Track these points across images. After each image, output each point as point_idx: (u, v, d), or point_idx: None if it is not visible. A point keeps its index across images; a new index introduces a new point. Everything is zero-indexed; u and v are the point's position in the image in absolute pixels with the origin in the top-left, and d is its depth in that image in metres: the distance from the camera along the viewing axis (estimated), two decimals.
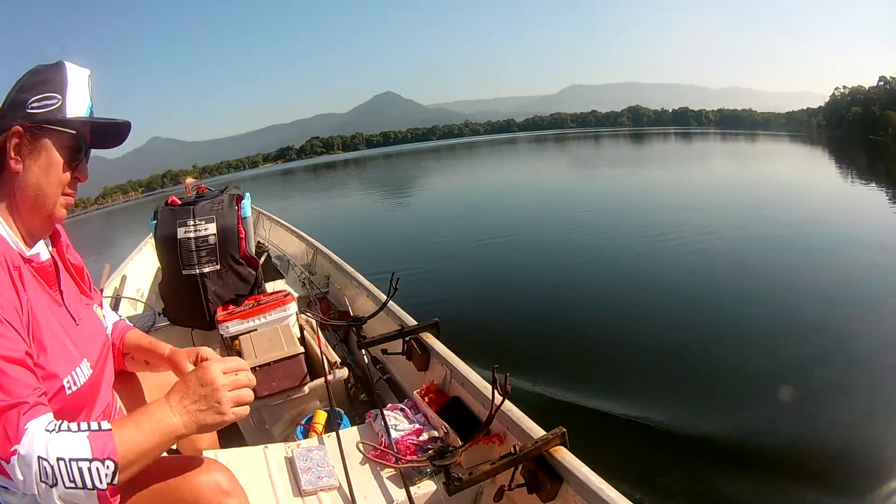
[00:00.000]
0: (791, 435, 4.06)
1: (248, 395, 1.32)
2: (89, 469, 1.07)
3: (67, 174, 1.35)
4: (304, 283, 4.54)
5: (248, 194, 3.68)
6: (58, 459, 1.04)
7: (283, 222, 6.26)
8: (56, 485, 1.04)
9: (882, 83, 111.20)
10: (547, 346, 5.72)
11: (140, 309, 3.74)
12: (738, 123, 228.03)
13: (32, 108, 1.29)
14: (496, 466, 1.78)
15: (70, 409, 1.26)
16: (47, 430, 1.06)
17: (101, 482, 1.08)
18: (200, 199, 3.53)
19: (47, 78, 1.34)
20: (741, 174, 25.88)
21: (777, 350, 5.49)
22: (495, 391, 1.84)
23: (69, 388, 1.26)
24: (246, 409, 1.31)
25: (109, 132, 1.46)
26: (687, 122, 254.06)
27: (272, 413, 2.77)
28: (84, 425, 1.13)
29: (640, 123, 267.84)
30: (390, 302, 3.16)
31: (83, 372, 1.33)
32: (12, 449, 1.02)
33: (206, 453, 1.79)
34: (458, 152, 69.61)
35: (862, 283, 7.55)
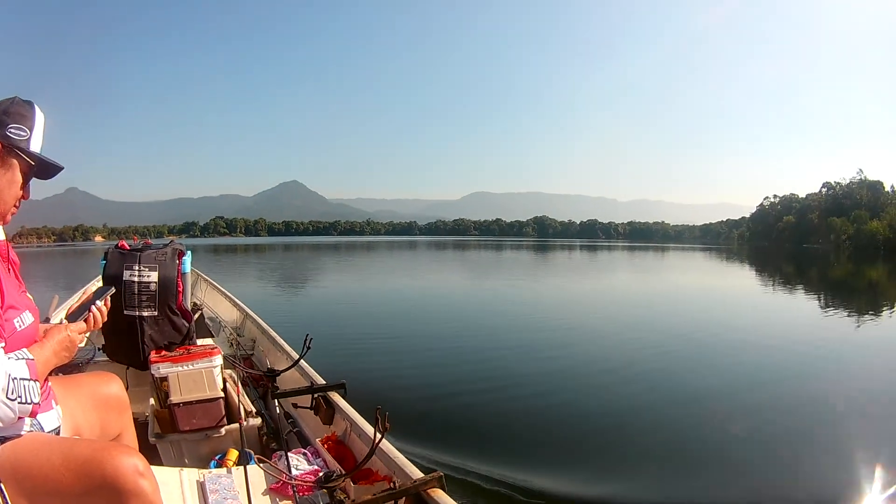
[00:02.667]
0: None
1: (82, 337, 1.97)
2: (28, 387, 1.59)
3: (20, 192, 1.80)
4: (231, 343, 4.87)
5: (189, 252, 3.97)
6: (10, 377, 1.54)
7: (219, 287, 6.58)
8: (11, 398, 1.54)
9: (826, 189, 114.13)
10: (443, 416, 6.24)
11: (83, 342, 3.98)
12: (649, 236, 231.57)
13: (11, 133, 1.73)
14: (377, 498, 2.12)
15: (19, 341, 1.71)
16: (6, 356, 1.58)
17: (35, 397, 1.61)
18: (147, 248, 3.81)
19: (24, 113, 1.78)
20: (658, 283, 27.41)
21: (653, 415, 6.43)
22: (377, 429, 2.21)
23: (19, 325, 1.73)
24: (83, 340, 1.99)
25: (48, 169, 1.87)
26: (595, 234, 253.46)
27: (190, 447, 3.04)
28: (21, 353, 1.66)
29: (545, 234, 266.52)
30: (304, 362, 3.56)
31: (28, 318, 1.80)
32: None
33: None
34: (357, 251, 68.99)
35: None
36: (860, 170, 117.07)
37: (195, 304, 5.97)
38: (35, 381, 1.63)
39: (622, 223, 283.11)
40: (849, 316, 16.26)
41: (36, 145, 1.80)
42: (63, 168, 1.90)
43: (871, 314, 16.94)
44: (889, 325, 14.96)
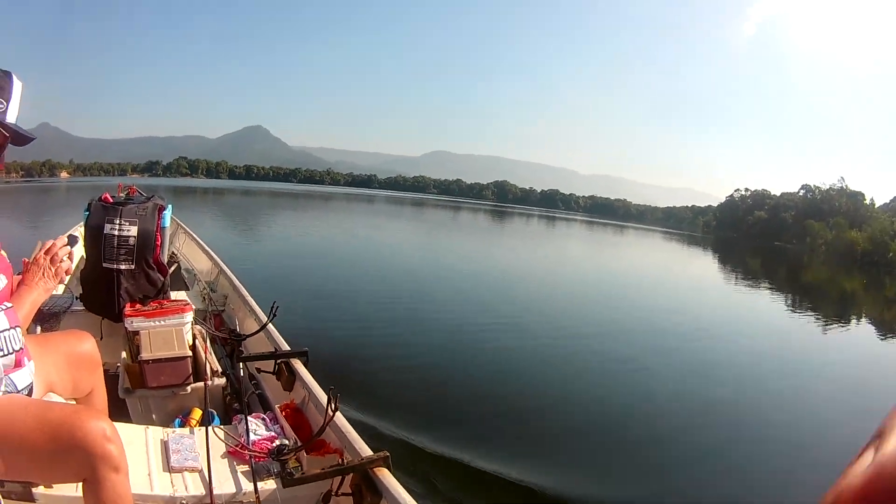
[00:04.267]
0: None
1: (66, 263, 2.17)
2: (8, 337, 1.75)
3: None
4: (204, 297, 4.97)
5: (170, 206, 4.06)
6: None
7: (197, 238, 6.64)
8: None
9: (804, 192, 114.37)
10: (402, 390, 6.42)
11: (60, 290, 4.08)
12: (610, 212, 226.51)
13: None
14: (325, 472, 2.32)
15: None
16: None
17: (17, 344, 1.78)
18: (129, 201, 3.88)
19: (1, 85, 1.84)
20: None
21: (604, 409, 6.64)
22: (329, 407, 2.39)
23: None
24: (69, 270, 2.19)
25: (22, 139, 1.94)
26: (555, 205, 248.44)
27: (157, 403, 3.21)
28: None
29: (504, 199, 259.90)
30: (270, 326, 3.72)
31: (1, 281, 1.90)
32: None
33: None
34: (315, 201, 68.64)
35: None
36: (842, 178, 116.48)
37: (173, 254, 6.06)
38: (15, 327, 1.78)
39: (583, 196, 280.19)
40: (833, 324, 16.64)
41: (12, 116, 1.87)
42: (35, 138, 1.96)
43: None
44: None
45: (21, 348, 1.79)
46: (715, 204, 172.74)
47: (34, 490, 2.03)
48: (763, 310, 17.67)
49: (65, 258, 2.16)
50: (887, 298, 31.34)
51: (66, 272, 2.18)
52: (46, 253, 2.08)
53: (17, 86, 1.87)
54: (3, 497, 1.90)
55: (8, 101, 1.83)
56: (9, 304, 1.82)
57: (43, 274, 2.04)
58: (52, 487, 2.07)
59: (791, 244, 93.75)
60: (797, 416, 7.33)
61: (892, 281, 44.76)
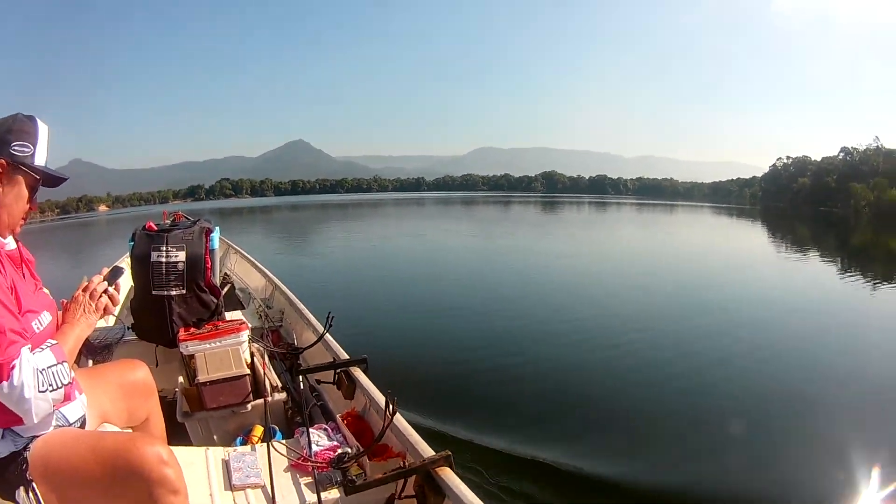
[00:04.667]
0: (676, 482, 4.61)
1: (105, 299, 2.12)
2: (56, 372, 1.74)
3: (27, 205, 1.94)
4: (260, 315, 4.97)
5: (217, 228, 4.05)
6: (37, 371, 1.68)
7: (249, 257, 6.70)
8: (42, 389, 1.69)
9: (843, 154, 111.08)
10: (463, 390, 6.39)
11: (111, 322, 4.12)
12: (659, 192, 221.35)
13: (15, 150, 1.85)
14: (387, 476, 2.24)
15: (38, 341, 1.81)
16: (31, 353, 1.70)
17: (65, 378, 1.77)
18: (175, 227, 3.87)
19: (26, 129, 1.89)
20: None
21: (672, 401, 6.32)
22: (387, 411, 2.31)
23: (37, 328, 1.86)
24: (106, 305, 2.13)
25: (54, 180, 2.00)
26: (604, 190, 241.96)
27: (217, 424, 3.18)
28: (45, 344, 1.79)
29: (554, 189, 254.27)
30: (329, 336, 3.66)
31: (45, 318, 1.93)
32: (11, 364, 1.62)
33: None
34: (364, 210, 68.15)
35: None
36: (876, 137, 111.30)
37: (226, 275, 6.09)
38: (62, 363, 1.78)
39: (631, 179, 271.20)
40: None
41: (41, 159, 1.92)
42: (67, 178, 2.05)
43: None
44: None
45: (70, 382, 1.79)
46: (759, 174, 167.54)
47: None
48: (818, 281, 16.79)
49: (106, 291, 2.14)
50: None
51: (113, 304, 2.15)
52: (84, 290, 2.07)
53: (42, 129, 1.93)
54: None
55: (35, 145, 1.89)
56: (53, 341, 1.82)
57: (84, 310, 2.03)
58: None
59: (836, 208, 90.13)
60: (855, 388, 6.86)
61: None
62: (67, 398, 1.86)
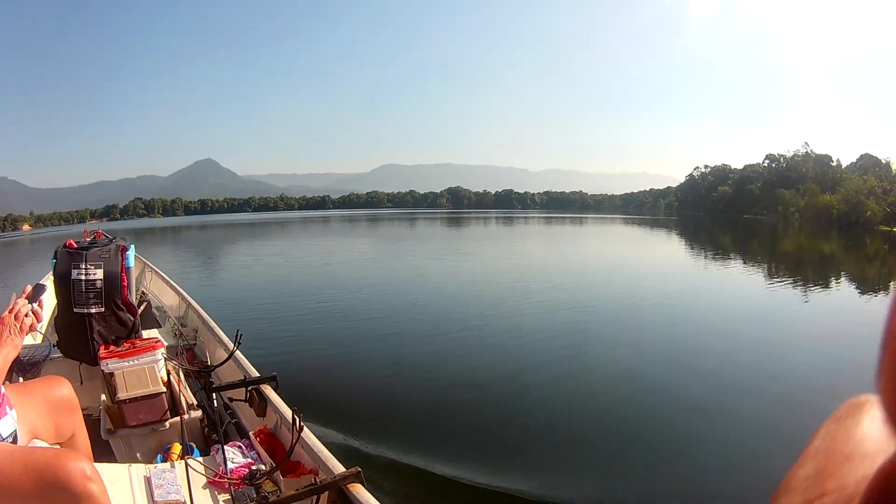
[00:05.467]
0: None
1: (29, 320, 2.23)
2: None
3: None
4: (175, 333, 5.10)
5: (132, 246, 4.17)
6: None
7: (163, 276, 6.74)
8: None
9: (769, 162, 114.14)
10: (373, 405, 6.52)
11: (38, 339, 4.16)
12: (567, 205, 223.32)
13: None
14: (300, 493, 2.42)
15: None
16: None
17: None
18: (93, 245, 3.99)
19: None
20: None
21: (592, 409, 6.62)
22: (295, 427, 2.52)
23: None
24: (31, 324, 2.25)
25: None
26: (511, 205, 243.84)
27: (139, 441, 3.33)
28: None
29: (460, 205, 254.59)
30: (239, 354, 3.86)
31: None
32: None
33: None
34: (271, 229, 67.49)
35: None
36: (806, 143, 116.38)
37: (142, 293, 6.12)
38: None
39: (538, 193, 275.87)
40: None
41: None
42: None
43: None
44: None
45: None
46: (673, 185, 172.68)
47: None
48: (743, 283, 17.99)
49: (30, 312, 2.26)
50: (869, 256, 31.56)
51: (37, 321, 2.28)
52: (10, 311, 2.18)
53: None
54: None
55: None
56: None
57: (9, 331, 2.14)
58: None
59: (762, 216, 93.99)
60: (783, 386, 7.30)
61: (874, 239, 45.29)
62: None
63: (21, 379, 3.36)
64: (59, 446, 2.53)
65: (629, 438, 5.90)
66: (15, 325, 2.18)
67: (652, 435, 5.98)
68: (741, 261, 26.02)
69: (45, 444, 2.40)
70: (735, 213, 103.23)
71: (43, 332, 4.56)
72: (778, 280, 18.81)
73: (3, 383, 2.17)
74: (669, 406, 6.73)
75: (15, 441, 2.20)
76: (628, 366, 8.36)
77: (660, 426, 6.20)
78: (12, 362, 2.23)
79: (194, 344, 4.98)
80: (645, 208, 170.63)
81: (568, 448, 5.72)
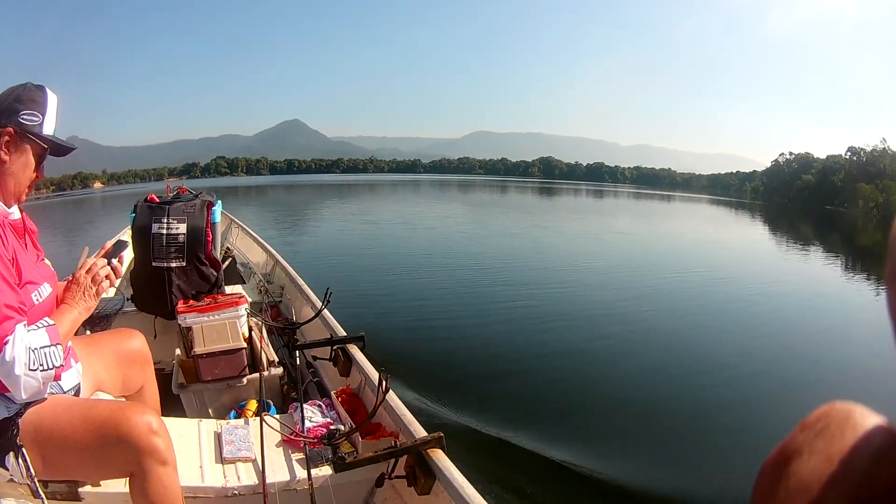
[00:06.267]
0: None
1: (106, 283, 2.04)
2: (49, 353, 1.69)
3: (34, 173, 1.90)
4: (260, 290, 4.93)
5: (219, 202, 4.02)
6: (30, 350, 1.64)
7: (251, 232, 6.65)
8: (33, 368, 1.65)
9: (850, 154, 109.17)
10: (459, 373, 6.28)
11: (112, 293, 4.09)
12: (656, 182, 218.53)
13: (23, 119, 1.83)
14: (378, 455, 2.23)
15: (37, 313, 1.81)
16: (26, 330, 1.66)
17: (57, 361, 1.71)
18: (177, 200, 3.85)
19: (35, 98, 1.87)
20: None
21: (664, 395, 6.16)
22: (380, 389, 2.28)
23: (37, 299, 1.83)
24: (108, 286, 2.05)
25: (61, 149, 1.98)
26: (601, 178, 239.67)
27: (212, 396, 3.15)
28: (41, 323, 1.75)
29: (551, 175, 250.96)
30: (327, 312, 3.63)
31: (45, 290, 1.89)
32: (4, 340, 1.59)
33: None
34: (360, 191, 66.48)
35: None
36: (883, 139, 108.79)
37: (227, 249, 6.06)
38: (56, 345, 1.74)
39: (628, 167, 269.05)
40: None
41: (49, 128, 1.89)
42: (75, 148, 2.03)
43: None
44: None
45: (61, 364, 1.75)
46: (756, 168, 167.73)
47: (80, 489, 2.00)
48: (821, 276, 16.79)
49: (110, 264, 2.09)
50: None
51: (116, 277, 2.11)
52: (88, 272, 2.01)
53: (51, 98, 1.91)
54: (48, 498, 1.84)
55: (44, 115, 1.87)
56: (51, 322, 1.78)
57: (84, 293, 1.98)
58: (99, 485, 2.04)
59: (843, 208, 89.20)
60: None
61: None
62: (57, 378, 1.86)
63: (88, 332, 3.20)
64: (124, 399, 2.39)
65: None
66: (91, 288, 2.00)
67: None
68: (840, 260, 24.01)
69: (109, 397, 2.26)
70: (817, 202, 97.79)
71: (116, 286, 4.46)
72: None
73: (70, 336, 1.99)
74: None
75: (77, 394, 2.06)
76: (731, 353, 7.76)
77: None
78: None
79: (280, 301, 4.82)
80: (731, 190, 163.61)
81: (662, 439, 5.29)
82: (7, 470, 1.73)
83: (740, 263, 17.89)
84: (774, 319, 9.98)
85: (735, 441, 5.12)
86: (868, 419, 0.32)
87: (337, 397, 2.88)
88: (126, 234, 4.23)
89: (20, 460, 1.71)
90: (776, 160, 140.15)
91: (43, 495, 1.77)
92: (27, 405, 1.77)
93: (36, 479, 1.74)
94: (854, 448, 0.31)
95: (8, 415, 1.73)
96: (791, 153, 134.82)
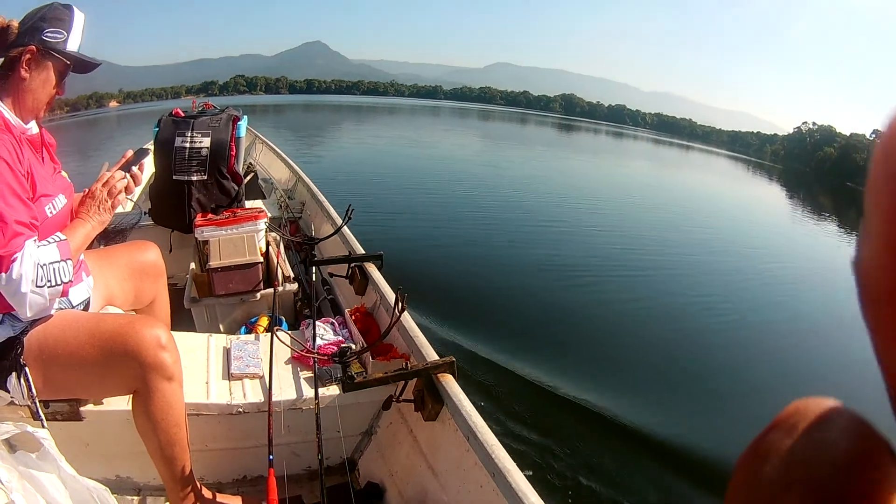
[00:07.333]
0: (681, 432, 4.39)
1: (123, 196, 1.99)
2: (58, 269, 1.64)
3: (55, 90, 1.84)
4: (280, 205, 4.83)
5: (245, 117, 3.88)
6: (38, 265, 1.58)
7: (275, 148, 6.53)
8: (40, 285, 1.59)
9: (875, 137, 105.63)
10: (474, 301, 6.22)
11: (129, 207, 4.03)
12: (676, 130, 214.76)
13: (46, 36, 1.76)
14: (388, 376, 2.15)
15: (51, 226, 1.77)
16: (36, 245, 1.60)
17: (66, 276, 1.66)
18: (202, 114, 3.74)
19: (60, 16, 1.80)
20: None
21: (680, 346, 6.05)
22: (395, 308, 2.18)
23: (50, 212, 1.77)
24: (124, 199, 2.01)
25: (85, 66, 1.90)
26: (622, 120, 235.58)
27: (224, 311, 3.11)
28: (52, 238, 1.69)
29: (572, 112, 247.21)
30: (346, 230, 3.53)
31: (60, 202, 1.83)
32: (13, 257, 1.53)
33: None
34: (379, 114, 64.29)
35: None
36: None
37: (250, 164, 5.95)
38: (66, 260, 1.69)
39: (649, 113, 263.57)
40: None
41: (73, 45, 1.84)
42: (100, 64, 1.96)
43: None
44: None
45: (70, 280, 1.71)
46: (775, 132, 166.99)
47: (81, 409, 1.96)
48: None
49: (128, 183, 2.03)
50: None
51: (136, 184, 2.04)
52: (105, 185, 1.95)
53: (78, 16, 1.88)
54: (49, 419, 1.82)
55: (69, 32, 1.83)
56: (62, 237, 1.73)
57: (99, 207, 1.92)
58: (101, 403, 2.00)
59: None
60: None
61: None
62: (65, 294, 1.80)
63: (102, 245, 3.15)
64: (134, 313, 2.35)
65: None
66: (106, 201, 1.94)
67: None
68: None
69: (118, 311, 2.21)
70: (838, 177, 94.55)
71: (134, 199, 4.43)
72: None
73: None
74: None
75: (87, 309, 2.02)
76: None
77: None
78: None
79: (300, 217, 4.73)
80: (751, 150, 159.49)
81: (658, 378, 5.27)
82: (8, 392, 1.70)
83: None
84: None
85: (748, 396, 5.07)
86: (838, 418, 0.30)
87: (350, 315, 2.80)
88: (149, 147, 4.16)
89: (22, 381, 1.69)
90: (798, 128, 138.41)
91: (43, 416, 1.74)
92: (33, 323, 1.72)
93: (37, 400, 1.71)
94: (817, 451, 0.29)
95: (13, 334, 1.69)
96: (814, 123, 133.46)
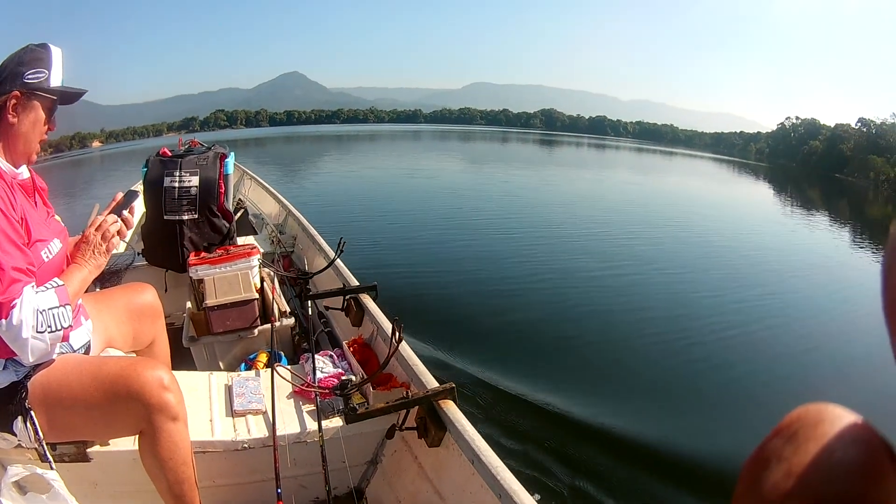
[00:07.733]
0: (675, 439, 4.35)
1: (117, 239, 2.01)
2: (57, 315, 1.65)
3: (45, 126, 1.86)
4: (272, 240, 4.85)
5: (232, 154, 3.92)
6: (37, 311, 1.59)
7: (263, 183, 6.54)
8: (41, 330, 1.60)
9: (860, 125, 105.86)
10: (471, 326, 6.16)
11: (122, 248, 4.03)
12: (658, 137, 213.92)
13: (28, 79, 1.78)
14: (390, 406, 2.16)
15: (48, 271, 1.78)
16: (35, 291, 1.62)
17: (66, 322, 1.67)
18: (189, 153, 3.77)
19: (38, 56, 1.82)
20: None
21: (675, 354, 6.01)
22: (393, 338, 2.21)
23: (46, 256, 1.78)
24: (118, 242, 2.03)
25: (71, 97, 1.92)
26: (603, 132, 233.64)
27: (223, 348, 3.11)
28: (50, 284, 1.70)
29: (553, 127, 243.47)
30: (339, 262, 3.55)
31: (55, 246, 1.85)
32: (12, 304, 1.55)
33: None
34: (361, 142, 63.61)
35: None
36: (894, 113, 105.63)
37: (239, 200, 5.99)
38: (65, 305, 1.69)
39: (631, 122, 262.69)
40: None
41: (56, 80, 1.86)
42: (86, 91, 1.97)
43: None
44: None
45: (70, 325, 1.72)
46: (759, 130, 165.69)
47: (88, 450, 1.96)
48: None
49: (122, 219, 2.06)
50: None
51: (127, 228, 2.07)
52: (98, 229, 1.97)
53: (55, 53, 1.89)
54: (56, 460, 1.82)
55: (49, 69, 1.84)
56: (60, 282, 1.74)
57: (93, 251, 1.94)
58: (107, 444, 2.00)
59: (854, 178, 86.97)
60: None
61: None
62: (66, 339, 1.80)
63: (98, 288, 3.15)
64: (134, 354, 2.36)
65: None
66: (100, 245, 1.97)
67: None
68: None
69: (119, 353, 2.23)
70: (825, 170, 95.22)
71: (127, 240, 4.43)
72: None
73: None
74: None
75: (87, 352, 2.03)
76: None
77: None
78: None
79: (292, 251, 4.74)
80: (735, 150, 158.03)
81: (663, 393, 5.20)
82: (15, 435, 1.70)
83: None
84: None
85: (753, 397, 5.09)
86: (839, 423, 0.30)
87: (349, 347, 2.82)
88: (138, 186, 4.18)
89: (28, 424, 1.69)
90: (782, 124, 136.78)
91: (51, 458, 1.74)
92: (35, 367, 1.74)
93: (44, 443, 1.72)
94: (819, 459, 0.29)
95: (17, 378, 1.71)
96: (798, 118, 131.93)
